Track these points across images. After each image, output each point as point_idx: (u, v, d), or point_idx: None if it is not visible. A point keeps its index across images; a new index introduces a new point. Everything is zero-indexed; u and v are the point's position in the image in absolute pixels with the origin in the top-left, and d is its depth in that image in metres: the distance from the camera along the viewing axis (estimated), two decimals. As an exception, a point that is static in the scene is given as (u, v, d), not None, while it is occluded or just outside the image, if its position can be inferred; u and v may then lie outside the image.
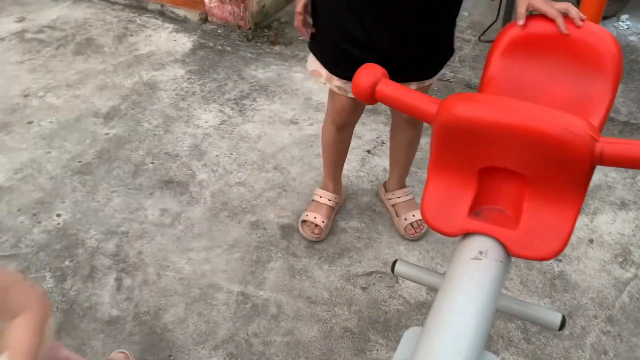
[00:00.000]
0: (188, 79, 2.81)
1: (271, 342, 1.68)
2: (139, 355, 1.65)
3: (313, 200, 2.03)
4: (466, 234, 1.10)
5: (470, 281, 1.01)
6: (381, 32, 1.43)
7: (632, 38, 3.04)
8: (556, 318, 1.16)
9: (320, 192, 2.03)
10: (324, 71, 1.61)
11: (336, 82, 1.60)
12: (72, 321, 1.75)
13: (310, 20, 1.58)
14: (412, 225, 1.97)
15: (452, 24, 1.54)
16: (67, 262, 1.92)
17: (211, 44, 3.09)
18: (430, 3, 1.40)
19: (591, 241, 1.97)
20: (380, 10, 1.40)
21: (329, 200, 2.01)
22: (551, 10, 1.19)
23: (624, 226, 2.02)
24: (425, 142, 2.35)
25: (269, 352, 1.66)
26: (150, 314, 1.76)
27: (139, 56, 2.99)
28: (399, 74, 1.43)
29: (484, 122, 1.01)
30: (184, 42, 3.11)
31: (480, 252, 1.05)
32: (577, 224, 1.97)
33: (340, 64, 1.56)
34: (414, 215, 1.97)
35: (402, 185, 2.04)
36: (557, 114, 1.00)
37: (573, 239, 1.95)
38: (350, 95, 1.61)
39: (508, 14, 2.82)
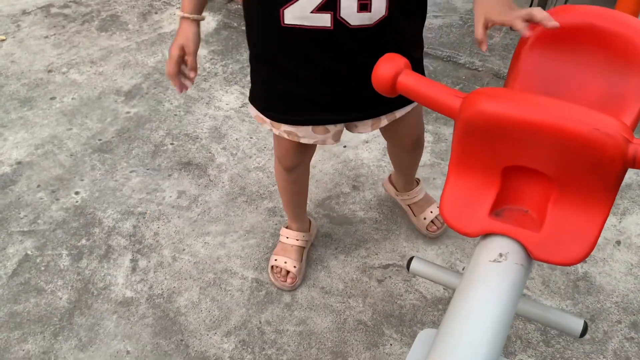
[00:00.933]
0: (211, 59, 2.78)
1: (284, 331, 1.67)
2: (151, 339, 1.65)
3: (280, 242, 1.83)
4: (486, 235, 1.06)
5: (489, 285, 0.97)
6: (337, 73, 1.26)
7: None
8: (578, 324, 1.12)
9: (285, 232, 1.81)
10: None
11: (285, 127, 1.38)
12: (85, 300, 1.75)
13: (188, 72, 1.36)
14: (433, 223, 1.90)
15: (419, 48, 1.38)
16: (83, 241, 1.93)
17: (235, 24, 3.04)
18: (387, 44, 1.19)
19: (618, 243, 1.90)
20: (334, 54, 1.23)
21: (297, 240, 1.79)
22: (508, 18, 1.01)
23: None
24: (449, 132, 2.29)
25: (280, 341, 1.64)
26: (164, 296, 1.76)
27: (162, 34, 2.96)
28: (366, 111, 1.36)
29: (510, 119, 0.96)
30: (208, 21, 3.07)
31: (500, 255, 1.01)
32: (605, 225, 1.90)
33: (291, 110, 1.35)
34: (431, 212, 1.90)
35: (412, 186, 1.91)
36: (588, 112, 0.94)
37: (599, 239, 1.88)
38: (303, 140, 1.41)
39: (543, 0, 2.72)
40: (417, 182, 1.94)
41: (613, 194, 0.98)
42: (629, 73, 1.14)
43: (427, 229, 1.90)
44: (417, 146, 1.71)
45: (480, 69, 2.64)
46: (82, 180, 2.15)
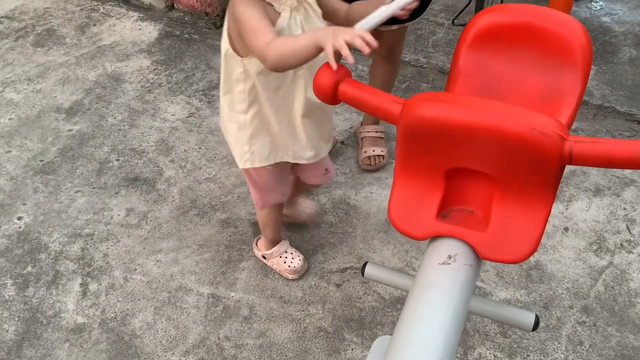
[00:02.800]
0: (154, 69, 2.72)
1: (243, 345, 1.64)
2: (106, 364, 1.60)
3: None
4: (435, 237, 1.06)
5: (440, 287, 0.98)
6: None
7: (605, 19, 3.01)
8: (529, 318, 1.14)
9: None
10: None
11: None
12: (34, 331, 1.68)
13: None
14: (369, 158, 2.11)
15: None
16: (29, 268, 1.85)
17: (178, 33, 2.98)
18: None
19: (566, 229, 1.95)
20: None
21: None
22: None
23: (598, 213, 2.00)
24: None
25: (241, 356, 1.61)
26: (117, 320, 1.70)
27: (102, 47, 2.87)
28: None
29: (449, 122, 0.97)
30: (150, 31, 3.00)
31: (449, 257, 1.02)
32: (552, 212, 1.95)
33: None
34: (373, 150, 2.12)
35: (376, 122, 2.16)
36: (525, 112, 0.96)
37: (548, 227, 1.93)
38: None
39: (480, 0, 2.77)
40: (380, 124, 2.17)
41: (553, 190, 1.00)
42: (564, 69, 1.17)
43: (361, 161, 2.13)
44: (391, 58, 1.95)
45: (425, 65, 2.67)
46: (25, 204, 2.06)
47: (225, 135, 1.47)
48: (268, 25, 1.16)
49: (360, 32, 1.02)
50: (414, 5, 1.15)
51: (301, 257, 1.80)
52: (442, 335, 0.90)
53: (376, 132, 2.17)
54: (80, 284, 1.80)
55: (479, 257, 1.04)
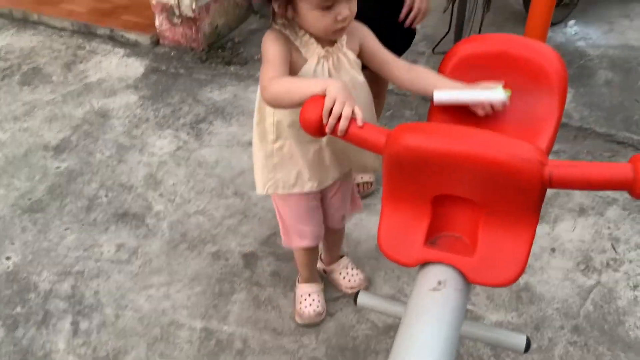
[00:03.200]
0: (141, 104, 2.74)
1: (238, 378, 1.63)
2: (99, 404, 1.57)
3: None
4: (424, 264, 1.08)
5: (431, 313, 0.99)
6: None
7: (580, 43, 3.11)
8: (521, 340, 1.15)
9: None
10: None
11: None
12: (25, 373, 1.66)
13: None
14: (357, 185, 2.11)
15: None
16: (18, 309, 1.83)
17: (164, 68, 3.02)
18: None
19: (553, 250, 1.98)
20: None
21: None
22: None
23: (583, 233, 2.04)
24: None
25: (235, 390, 1.60)
26: (109, 358, 1.68)
27: (89, 84, 2.90)
28: None
29: (433, 151, 1.00)
30: (136, 66, 3.04)
31: (439, 282, 1.03)
32: (538, 233, 1.97)
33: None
34: (362, 177, 2.16)
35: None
36: (505, 140, 0.99)
37: (535, 248, 1.96)
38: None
39: (460, 25, 2.85)
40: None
41: (536, 213, 1.03)
42: (541, 95, 1.21)
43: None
44: (377, 93, 1.76)
45: (407, 94, 2.73)
46: (13, 244, 2.05)
47: (255, 163, 1.47)
48: (281, 64, 1.18)
49: (357, 114, 1.05)
50: (497, 108, 1.19)
51: (320, 308, 1.75)
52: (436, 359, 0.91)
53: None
54: (71, 322, 1.78)
55: (468, 281, 1.06)
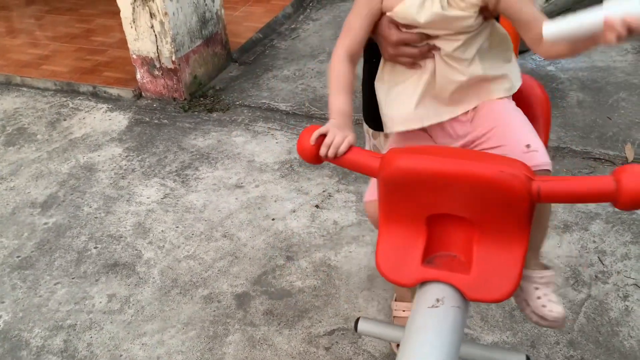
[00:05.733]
0: (126, 156, 2.77)
1: (237, 421, 1.60)
2: None
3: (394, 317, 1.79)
4: (423, 283, 1.10)
5: (430, 329, 1.01)
6: None
7: (550, 68, 3.22)
8: (520, 359, 1.17)
9: (401, 305, 1.77)
10: None
11: None
12: None
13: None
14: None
15: None
16: (10, 367, 1.80)
17: (147, 119, 3.07)
18: None
19: (542, 267, 2.00)
20: None
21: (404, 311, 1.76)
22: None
23: (570, 248, 2.07)
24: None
25: None
26: (105, 410, 1.66)
27: (74, 140, 2.94)
28: None
29: (426, 172, 1.03)
30: (120, 120, 3.09)
31: (437, 300, 1.05)
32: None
33: None
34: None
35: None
36: (494, 157, 1.03)
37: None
38: None
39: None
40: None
41: (527, 228, 1.05)
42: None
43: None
44: None
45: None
46: (3, 302, 2.03)
47: None
48: (356, 29, 1.20)
49: (342, 150, 1.09)
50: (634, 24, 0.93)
51: None
52: None
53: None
54: (65, 377, 1.76)
55: (465, 298, 1.07)
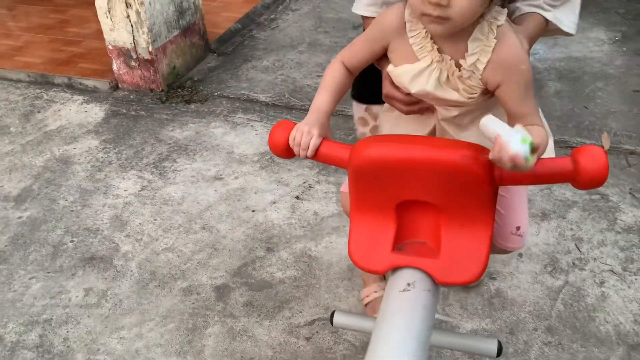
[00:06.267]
0: (103, 148, 2.73)
1: (217, 413, 1.59)
2: None
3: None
4: (394, 269, 1.12)
5: (402, 312, 1.03)
6: None
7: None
8: (492, 345, 1.19)
9: (365, 292, 1.82)
10: None
11: None
12: None
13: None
14: None
15: None
16: (-16, 364, 1.76)
17: (124, 111, 3.02)
18: None
19: (520, 255, 2.02)
20: None
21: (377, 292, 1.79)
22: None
23: (548, 236, 2.09)
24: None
25: None
26: (82, 405, 1.63)
27: (48, 132, 2.88)
28: None
29: (393, 159, 1.06)
30: (96, 112, 3.03)
31: (408, 284, 1.07)
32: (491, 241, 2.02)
33: None
34: None
35: None
36: (456, 142, 1.06)
37: (503, 255, 2.00)
38: None
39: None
40: None
41: (491, 211, 1.07)
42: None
43: None
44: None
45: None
46: (-24, 298, 1.99)
47: None
48: (357, 50, 1.17)
49: (308, 151, 1.11)
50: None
51: None
52: (409, 357, 0.94)
53: None
54: (41, 373, 1.73)
55: (436, 282, 1.09)
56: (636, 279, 1.91)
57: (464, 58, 1.06)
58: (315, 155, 1.12)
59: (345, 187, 1.37)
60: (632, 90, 2.90)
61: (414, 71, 1.10)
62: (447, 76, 1.09)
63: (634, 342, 1.71)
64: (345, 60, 1.19)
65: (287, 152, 1.14)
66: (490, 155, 0.93)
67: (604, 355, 1.68)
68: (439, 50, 1.07)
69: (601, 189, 2.30)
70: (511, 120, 1.06)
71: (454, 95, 1.09)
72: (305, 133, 1.10)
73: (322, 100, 1.16)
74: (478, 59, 1.04)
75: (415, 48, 1.09)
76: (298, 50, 3.50)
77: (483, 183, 1.01)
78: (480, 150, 1.01)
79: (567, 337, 1.73)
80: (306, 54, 3.43)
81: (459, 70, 1.07)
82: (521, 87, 1.05)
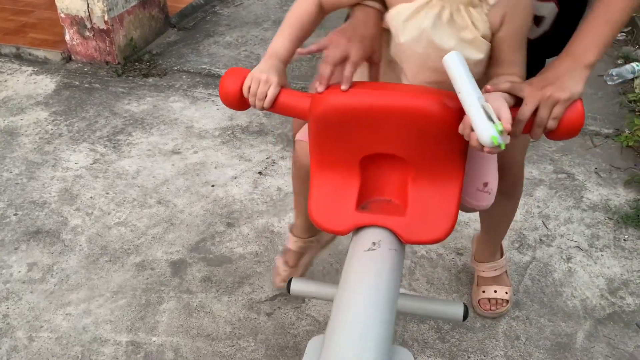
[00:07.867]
0: (53, 120, 2.56)
1: (171, 391, 1.49)
2: None
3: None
4: (358, 229, 1.04)
5: (368, 271, 0.95)
6: None
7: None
8: (459, 309, 1.14)
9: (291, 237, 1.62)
10: None
11: None
12: None
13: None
14: (488, 301, 1.66)
15: None
16: None
17: (77, 83, 2.85)
18: None
19: (488, 231, 1.98)
20: None
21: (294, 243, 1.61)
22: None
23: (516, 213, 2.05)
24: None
25: (169, 404, 1.46)
26: (22, 385, 1.50)
27: (-7, 102, 2.69)
28: None
29: (359, 108, 0.97)
30: (46, 83, 2.85)
31: (374, 243, 1.00)
32: (471, 217, 1.98)
33: None
34: (495, 291, 1.66)
35: (491, 259, 1.70)
36: (428, 90, 0.98)
37: (470, 231, 1.96)
38: None
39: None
40: (502, 253, 1.72)
41: (462, 165, 1.00)
42: None
43: (478, 303, 1.67)
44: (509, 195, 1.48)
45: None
46: None
47: None
48: None
49: (265, 102, 1.00)
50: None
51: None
52: (377, 318, 0.86)
53: (495, 270, 1.69)
54: (-24, 352, 1.58)
55: (402, 242, 1.02)
56: (602, 255, 1.89)
57: None
58: (273, 106, 1.02)
59: (302, 135, 1.24)
60: (597, 74, 2.92)
61: (410, 9, 0.96)
62: (451, 15, 0.95)
63: (601, 316, 1.69)
64: None
65: (241, 103, 1.03)
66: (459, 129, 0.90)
67: (571, 329, 1.65)
68: None
69: (567, 168, 2.29)
70: (498, 69, 0.99)
71: (450, 42, 0.96)
72: (262, 82, 0.99)
73: (281, 45, 1.04)
74: None
75: None
76: (262, 27, 3.39)
77: (455, 132, 0.92)
78: (453, 97, 0.93)
79: (535, 312, 1.70)
80: (271, 31, 3.33)
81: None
82: (523, 31, 0.98)
